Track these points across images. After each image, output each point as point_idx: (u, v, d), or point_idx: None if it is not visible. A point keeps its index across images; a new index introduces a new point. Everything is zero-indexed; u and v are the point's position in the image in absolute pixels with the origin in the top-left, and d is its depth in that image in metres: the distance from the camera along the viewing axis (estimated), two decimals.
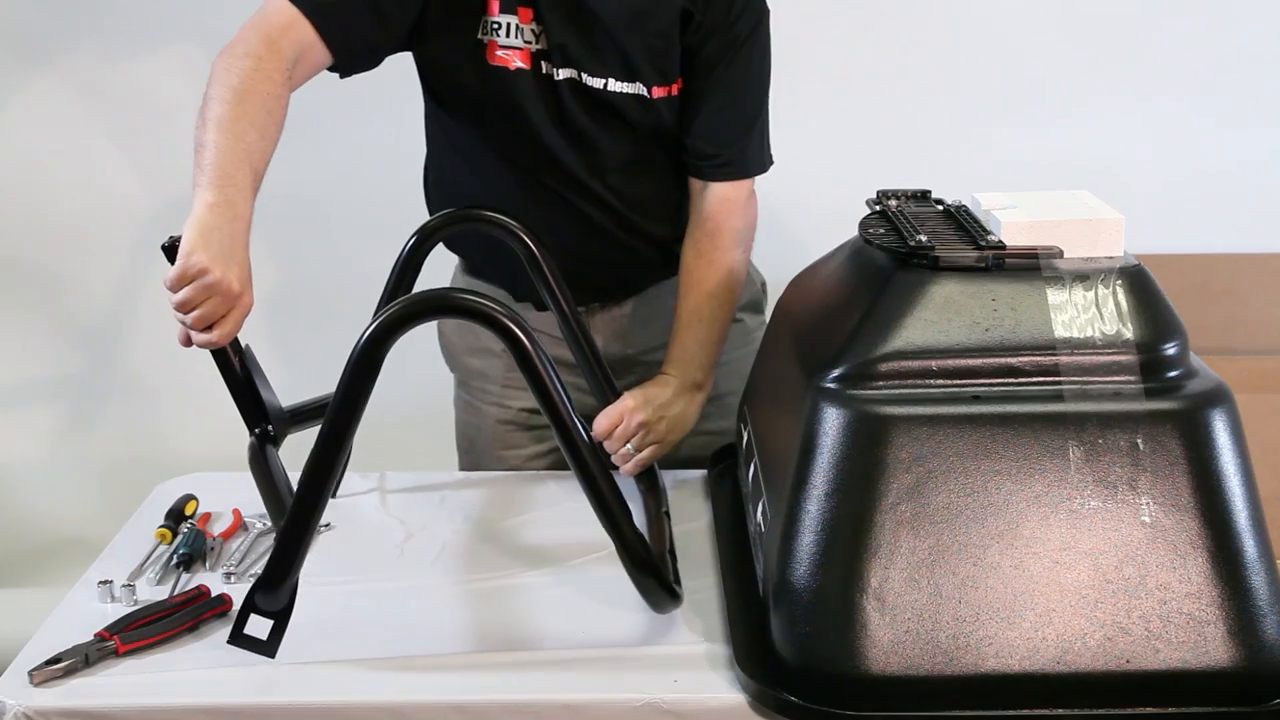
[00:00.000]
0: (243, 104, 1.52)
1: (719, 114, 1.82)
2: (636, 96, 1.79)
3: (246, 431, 1.51)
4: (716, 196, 1.86)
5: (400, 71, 1.82)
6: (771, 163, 1.90)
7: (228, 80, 1.54)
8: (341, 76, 1.73)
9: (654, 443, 1.77)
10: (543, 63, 1.76)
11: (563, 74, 1.76)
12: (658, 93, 1.79)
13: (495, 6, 1.74)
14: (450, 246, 2.00)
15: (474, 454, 2.03)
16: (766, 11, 1.82)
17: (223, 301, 1.41)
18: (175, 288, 1.40)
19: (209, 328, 1.42)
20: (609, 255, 1.90)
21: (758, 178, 1.91)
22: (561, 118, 1.79)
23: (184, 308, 1.41)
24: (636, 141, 1.83)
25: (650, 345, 1.95)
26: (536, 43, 1.75)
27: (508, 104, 1.78)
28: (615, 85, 1.77)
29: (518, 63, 1.75)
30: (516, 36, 1.74)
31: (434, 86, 1.85)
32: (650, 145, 1.85)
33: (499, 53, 1.75)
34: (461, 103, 1.83)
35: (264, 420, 1.51)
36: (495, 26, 1.74)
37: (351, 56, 1.70)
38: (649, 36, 1.76)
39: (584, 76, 1.76)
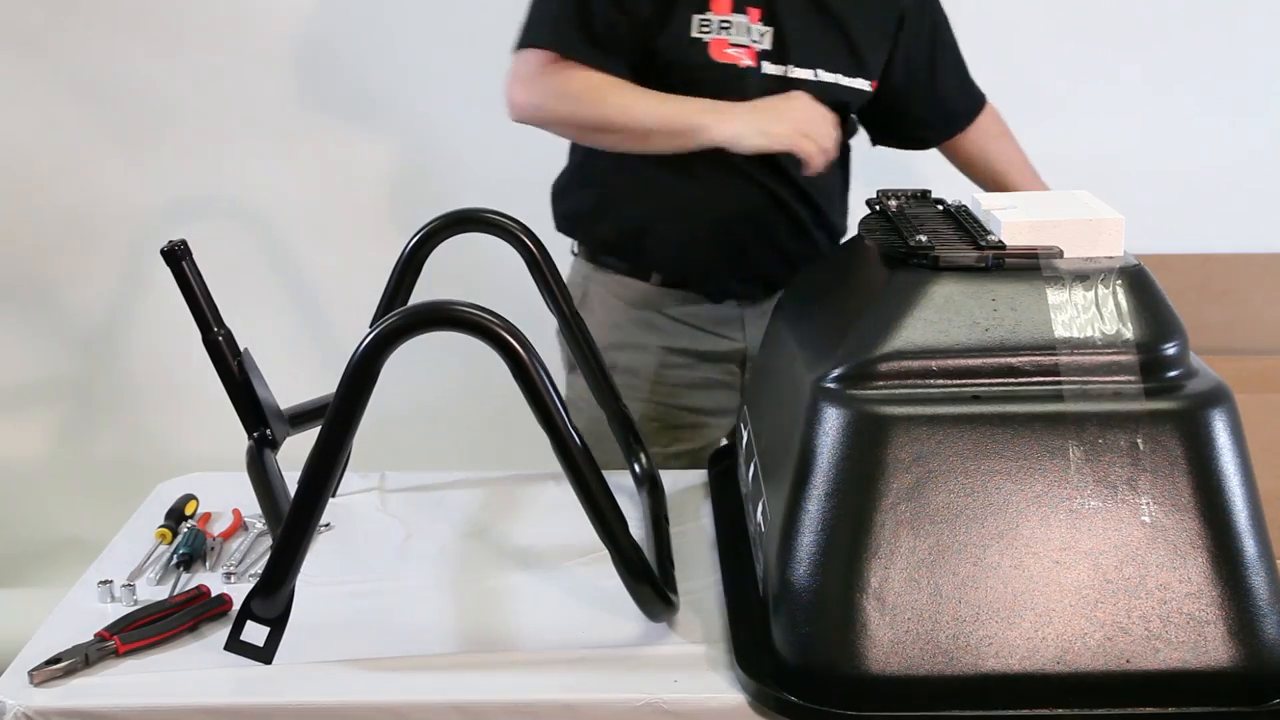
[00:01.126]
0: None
1: (957, 66, 2.10)
2: (861, 91, 1.94)
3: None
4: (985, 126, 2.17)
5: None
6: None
7: (572, 80, 1.84)
8: None
9: None
10: (764, 62, 1.87)
11: (798, 73, 1.88)
12: (874, 86, 1.95)
13: (726, 5, 1.84)
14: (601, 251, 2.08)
15: (597, 452, 2.01)
16: None
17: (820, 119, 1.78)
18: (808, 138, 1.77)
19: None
20: (795, 247, 1.99)
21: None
22: None
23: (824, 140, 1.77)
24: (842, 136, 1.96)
25: None
26: (761, 42, 1.86)
27: (733, 100, 1.85)
28: (846, 80, 1.91)
29: (745, 61, 1.86)
30: (746, 35, 1.86)
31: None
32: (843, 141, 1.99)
33: (729, 50, 1.86)
34: None
35: (262, 424, 1.51)
36: (725, 25, 1.85)
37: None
38: (872, 32, 1.92)
39: (819, 73, 1.89)
